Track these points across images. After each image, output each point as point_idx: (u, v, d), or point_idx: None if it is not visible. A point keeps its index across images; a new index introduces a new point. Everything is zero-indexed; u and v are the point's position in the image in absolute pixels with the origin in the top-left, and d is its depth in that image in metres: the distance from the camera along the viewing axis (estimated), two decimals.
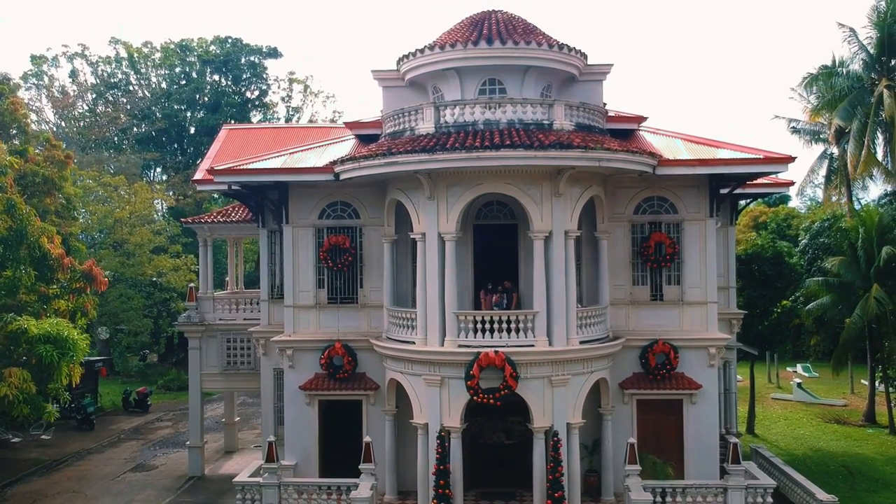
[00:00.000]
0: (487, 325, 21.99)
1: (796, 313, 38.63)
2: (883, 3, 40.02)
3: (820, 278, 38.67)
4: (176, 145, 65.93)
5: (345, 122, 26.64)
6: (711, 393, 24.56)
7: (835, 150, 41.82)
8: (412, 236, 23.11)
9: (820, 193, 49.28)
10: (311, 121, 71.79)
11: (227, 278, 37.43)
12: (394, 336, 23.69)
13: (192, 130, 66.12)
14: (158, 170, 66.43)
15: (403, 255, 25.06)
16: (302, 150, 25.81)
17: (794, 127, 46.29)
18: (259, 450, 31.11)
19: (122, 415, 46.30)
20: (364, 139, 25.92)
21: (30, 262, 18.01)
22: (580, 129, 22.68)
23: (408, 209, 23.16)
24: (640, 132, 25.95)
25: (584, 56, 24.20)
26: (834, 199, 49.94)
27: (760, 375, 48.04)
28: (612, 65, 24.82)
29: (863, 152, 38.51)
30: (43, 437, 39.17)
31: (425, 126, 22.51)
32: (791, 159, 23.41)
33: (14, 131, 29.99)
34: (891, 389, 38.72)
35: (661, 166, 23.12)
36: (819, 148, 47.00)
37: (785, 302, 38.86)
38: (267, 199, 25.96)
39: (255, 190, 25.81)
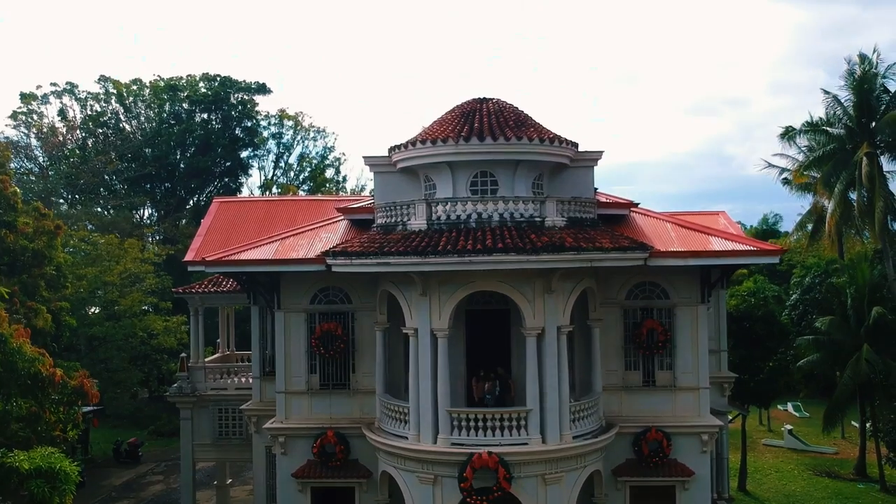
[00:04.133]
0: (481, 423, 21.97)
1: (787, 370, 38.78)
2: (857, 67, 40.62)
3: (810, 337, 38.86)
4: (167, 185, 65.72)
5: (337, 208, 26.61)
6: (704, 479, 24.57)
7: (826, 203, 42.14)
8: (404, 331, 23.08)
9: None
10: (301, 156, 71.90)
11: (219, 339, 37.29)
12: (387, 428, 23.62)
13: (183, 167, 65.91)
14: (148, 209, 66.22)
15: (396, 341, 24.97)
16: (293, 235, 25.74)
17: (785, 178, 46.59)
18: None
19: (113, 467, 46.01)
20: (356, 223, 25.92)
21: (19, 391, 17.91)
22: (572, 223, 22.72)
23: (400, 303, 23.13)
24: (632, 214, 26.02)
25: (575, 145, 24.24)
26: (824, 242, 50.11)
27: (751, 417, 48.23)
28: (602, 151, 24.84)
29: (855, 207, 38.84)
30: None
31: (417, 222, 22.51)
32: (782, 251, 23.56)
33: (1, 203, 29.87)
34: (881, 443, 38.90)
35: (652, 258, 23.10)
36: (809, 199, 47.37)
37: (777, 356, 39.00)
38: (258, 283, 25.87)
39: (247, 275, 25.72)
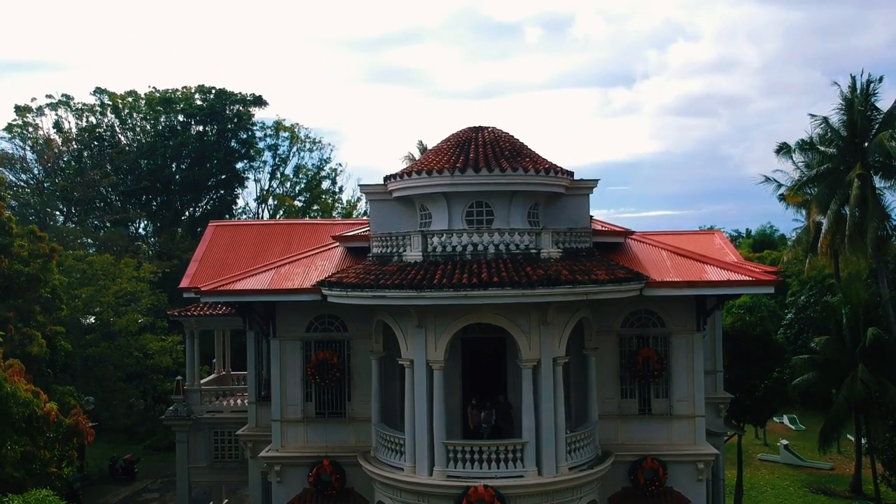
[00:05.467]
0: (476, 456, 21.95)
1: (783, 389, 38.82)
2: (848, 89, 40.89)
3: (806, 356, 38.93)
4: (163, 197, 65.59)
5: (332, 236, 26.57)
6: None
7: (823, 219, 42.25)
8: (400, 362, 23.05)
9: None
10: (297, 167, 71.87)
11: (215, 360, 37.22)
12: (382, 458, 23.57)
13: (178, 179, 65.79)
14: (143, 221, 66.12)
15: (392, 369, 24.91)
16: (288, 263, 25.71)
17: (781, 194, 46.63)
18: None
19: (109, 484, 45.88)
20: (352, 251, 25.93)
21: (14, 433, 17.84)
22: (567, 254, 22.73)
23: (396, 334, 23.10)
24: (628, 242, 26.06)
25: (571, 174, 24.24)
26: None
27: (747, 431, 48.20)
28: (598, 180, 24.82)
29: (846, 230, 38.94)
30: None
31: (413, 254, 22.48)
32: (778, 280, 23.57)
33: None
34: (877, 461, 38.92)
35: (648, 288, 23.17)
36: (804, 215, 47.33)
37: (773, 374, 39.01)
38: (254, 311, 25.81)
39: (243, 303, 25.67)
